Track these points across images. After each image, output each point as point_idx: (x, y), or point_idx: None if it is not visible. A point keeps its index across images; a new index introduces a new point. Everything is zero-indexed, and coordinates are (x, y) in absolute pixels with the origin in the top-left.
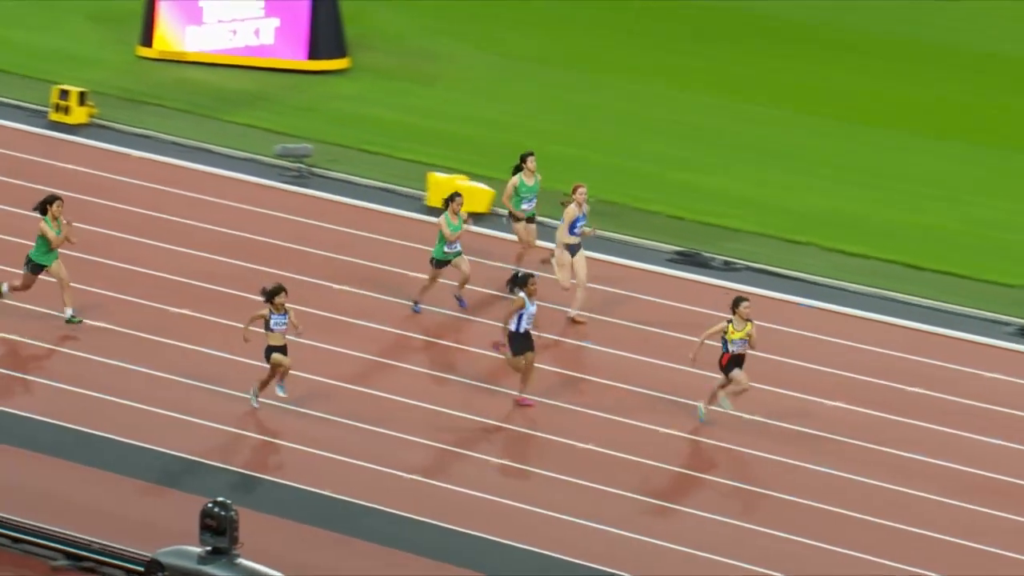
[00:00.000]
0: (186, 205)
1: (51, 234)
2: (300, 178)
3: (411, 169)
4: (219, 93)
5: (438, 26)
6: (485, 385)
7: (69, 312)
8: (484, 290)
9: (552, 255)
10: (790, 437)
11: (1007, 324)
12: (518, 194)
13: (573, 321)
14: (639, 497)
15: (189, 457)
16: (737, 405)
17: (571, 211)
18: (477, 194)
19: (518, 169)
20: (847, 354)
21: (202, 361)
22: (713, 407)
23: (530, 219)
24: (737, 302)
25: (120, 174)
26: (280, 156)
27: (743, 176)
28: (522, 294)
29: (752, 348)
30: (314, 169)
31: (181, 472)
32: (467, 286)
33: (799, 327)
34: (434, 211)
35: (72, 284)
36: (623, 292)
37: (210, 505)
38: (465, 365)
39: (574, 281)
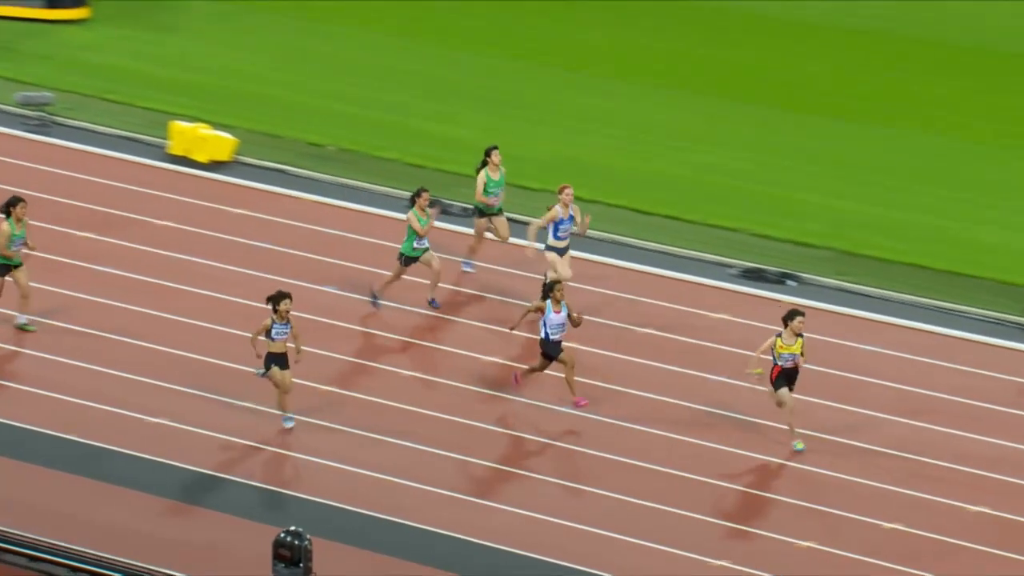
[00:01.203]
0: None
1: (3, 240)
2: (42, 127)
3: (153, 118)
4: None
5: None
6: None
7: (24, 319)
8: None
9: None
10: (535, 381)
11: (730, 267)
12: (485, 189)
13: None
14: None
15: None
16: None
17: (554, 212)
18: (219, 142)
19: (483, 164)
20: (577, 296)
21: None
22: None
23: (496, 213)
24: (791, 315)
25: None
26: (21, 104)
27: (475, 124)
28: (547, 301)
29: (802, 361)
30: (56, 118)
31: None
32: (440, 285)
33: (533, 271)
34: (176, 159)
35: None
36: (365, 239)
37: (283, 535)
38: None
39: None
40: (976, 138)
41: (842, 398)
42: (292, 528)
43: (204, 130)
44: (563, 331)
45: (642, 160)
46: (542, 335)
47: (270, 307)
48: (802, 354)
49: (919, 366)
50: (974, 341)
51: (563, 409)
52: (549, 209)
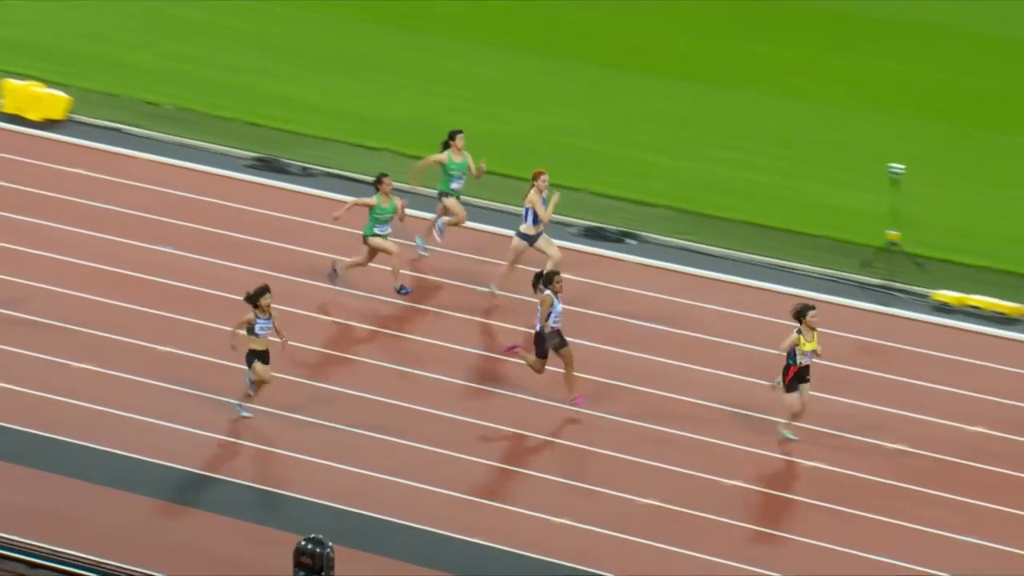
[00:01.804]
0: None
1: None
2: None
3: None
4: None
5: None
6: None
7: None
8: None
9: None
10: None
11: (571, 226)
12: (447, 172)
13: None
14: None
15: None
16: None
17: (533, 197)
18: (52, 100)
19: (446, 146)
20: (417, 259)
21: None
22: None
23: (456, 197)
24: (804, 311)
25: None
26: None
27: (314, 84)
28: (548, 291)
29: (818, 357)
30: None
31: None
32: (402, 271)
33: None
34: (8, 117)
35: None
36: (203, 198)
37: (304, 542)
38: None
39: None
40: (815, 99)
41: (687, 357)
42: (313, 535)
43: (37, 88)
44: (561, 321)
45: (482, 120)
46: (538, 329)
47: (249, 303)
48: (817, 350)
49: (761, 324)
50: (814, 299)
51: (556, 404)
52: (526, 196)
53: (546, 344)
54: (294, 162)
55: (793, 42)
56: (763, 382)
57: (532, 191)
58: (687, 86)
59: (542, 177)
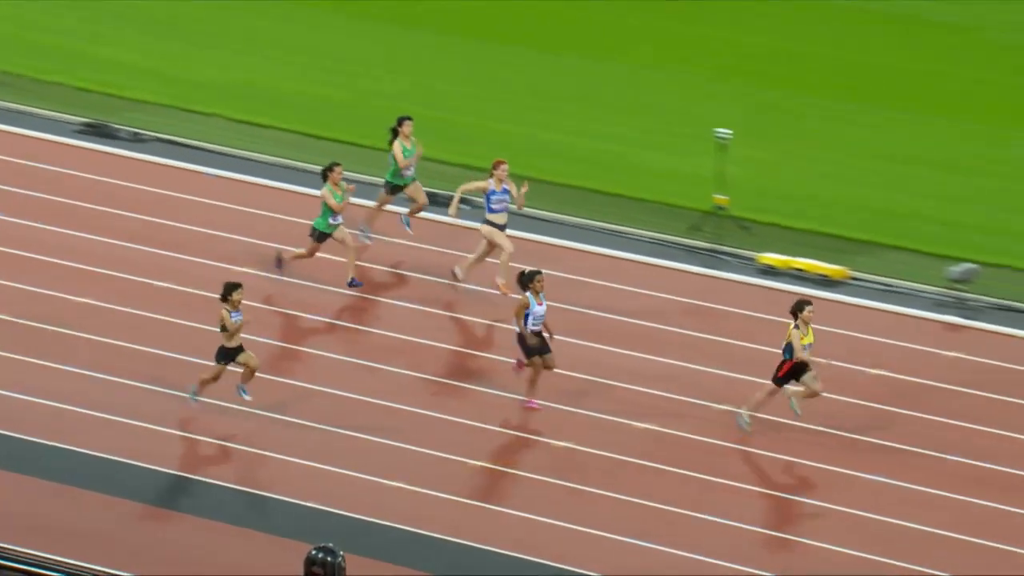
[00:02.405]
0: None
1: None
2: None
3: None
4: None
5: None
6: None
7: None
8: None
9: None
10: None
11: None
12: (395, 161)
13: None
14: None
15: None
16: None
17: (483, 184)
18: None
19: (395, 133)
20: (260, 224)
21: None
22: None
23: (410, 182)
24: (801, 306)
25: None
26: None
27: (144, 48)
28: (527, 292)
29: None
30: None
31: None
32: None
33: (207, 196)
34: None
35: None
36: (28, 163)
37: (315, 552)
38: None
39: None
40: (641, 64)
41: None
42: (323, 544)
43: None
44: (542, 322)
45: (315, 85)
46: (518, 331)
47: (221, 298)
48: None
49: (592, 288)
50: (641, 263)
51: (543, 402)
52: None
53: (528, 346)
54: (124, 127)
55: (621, 8)
56: (605, 347)
57: (491, 180)
58: (517, 52)
59: (502, 167)
